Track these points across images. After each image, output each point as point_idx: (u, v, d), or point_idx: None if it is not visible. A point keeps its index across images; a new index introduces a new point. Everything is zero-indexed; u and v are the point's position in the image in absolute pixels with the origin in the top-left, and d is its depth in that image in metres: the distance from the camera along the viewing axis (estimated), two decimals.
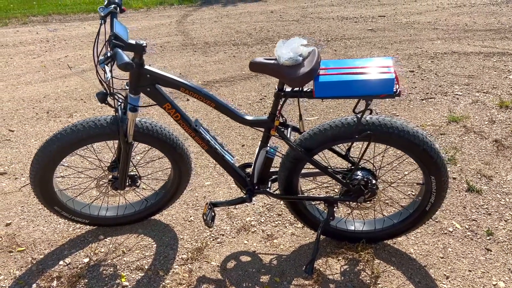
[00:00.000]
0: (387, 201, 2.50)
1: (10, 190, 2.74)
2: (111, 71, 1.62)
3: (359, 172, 1.95)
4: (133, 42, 1.73)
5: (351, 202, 2.01)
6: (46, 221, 2.43)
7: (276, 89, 1.80)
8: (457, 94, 4.16)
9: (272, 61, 1.73)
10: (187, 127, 1.95)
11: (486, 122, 3.55)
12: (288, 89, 1.80)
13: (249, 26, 7.20)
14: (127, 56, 1.51)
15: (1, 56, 5.85)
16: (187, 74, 4.86)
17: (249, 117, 1.92)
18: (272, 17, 8.01)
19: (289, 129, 1.95)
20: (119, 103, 1.92)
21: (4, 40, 6.72)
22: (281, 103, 1.84)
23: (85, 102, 4.21)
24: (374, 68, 1.69)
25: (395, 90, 1.65)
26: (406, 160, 2.91)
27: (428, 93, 4.21)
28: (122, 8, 1.85)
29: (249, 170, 2.16)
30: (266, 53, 5.63)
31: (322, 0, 9.83)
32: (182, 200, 2.59)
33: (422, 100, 4.05)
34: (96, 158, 2.46)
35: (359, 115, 1.78)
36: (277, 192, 2.09)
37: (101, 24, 1.75)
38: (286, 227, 2.34)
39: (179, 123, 1.95)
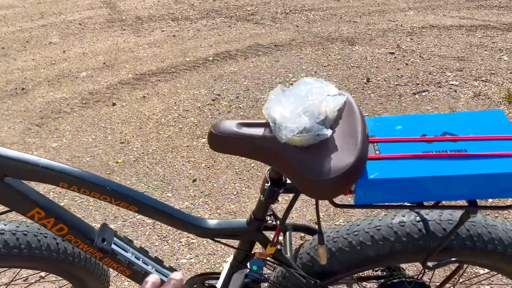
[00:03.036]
0: None
1: None
2: None
3: None
4: None
5: None
6: None
7: (267, 178, 0.86)
8: (453, 85, 3.40)
9: (261, 131, 0.78)
10: (86, 246, 0.98)
11: None
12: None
13: None
14: None
15: None
16: (114, 64, 3.74)
17: (211, 222, 0.98)
18: None
19: (288, 234, 1.04)
20: None
21: None
22: (273, 204, 0.91)
23: None
24: (481, 141, 0.79)
25: None
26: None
27: (418, 84, 3.42)
28: None
29: (210, 283, 1.23)
30: (214, 30, 4.56)
31: None
32: None
33: (414, 94, 3.26)
34: None
35: (441, 224, 0.89)
36: None
37: None
38: None
39: (69, 240, 0.97)
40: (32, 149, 2.61)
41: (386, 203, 0.81)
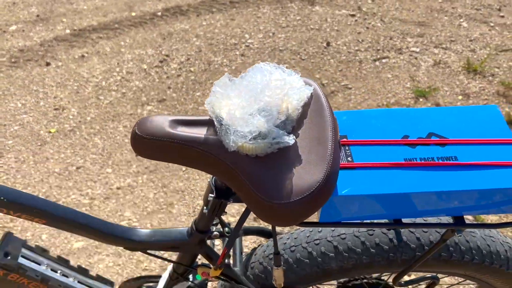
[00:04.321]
0: None
1: None
2: None
3: None
4: None
5: None
6: None
7: (212, 188, 0.69)
8: (413, 52, 3.31)
9: (203, 132, 0.59)
10: None
11: (460, 97, 2.78)
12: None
13: None
14: None
15: None
16: (49, 17, 3.34)
17: (142, 233, 0.80)
18: None
19: (237, 240, 0.88)
20: None
21: None
22: (220, 216, 0.74)
23: None
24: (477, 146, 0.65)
25: None
26: None
27: (379, 49, 3.30)
28: None
29: (148, 286, 1.07)
30: None
31: None
32: None
33: (375, 61, 3.14)
34: None
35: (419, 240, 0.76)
36: None
37: None
38: None
39: None
40: None
41: (358, 221, 0.66)
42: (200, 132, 0.59)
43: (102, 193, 1.90)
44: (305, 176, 0.55)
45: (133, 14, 3.50)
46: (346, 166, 0.62)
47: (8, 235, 0.82)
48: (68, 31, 3.16)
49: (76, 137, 2.17)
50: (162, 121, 0.60)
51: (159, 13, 3.52)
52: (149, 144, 0.60)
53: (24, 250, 0.83)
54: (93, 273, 0.97)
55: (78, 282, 0.91)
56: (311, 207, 0.55)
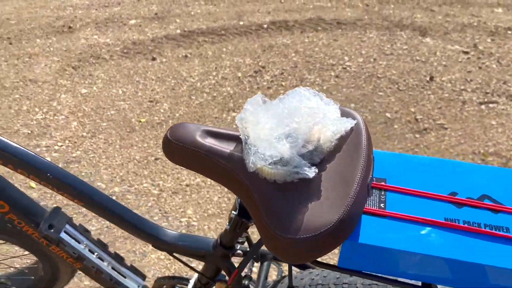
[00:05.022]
0: None
1: None
2: None
3: None
4: None
5: None
6: None
7: (236, 206, 0.68)
8: None
9: (231, 147, 0.58)
10: (31, 229, 0.85)
11: None
12: None
13: None
14: None
15: None
16: (166, 16, 3.59)
17: (171, 235, 0.81)
18: None
19: (265, 264, 0.84)
20: None
21: None
22: (241, 235, 0.72)
23: None
24: None
25: None
26: None
27: (488, 93, 3.02)
28: None
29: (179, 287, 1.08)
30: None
31: None
32: None
33: (481, 104, 2.88)
34: None
35: None
36: None
37: None
38: None
39: (11, 220, 0.84)
40: (61, 91, 2.55)
41: (382, 275, 0.59)
42: (227, 147, 0.59)
43: (171, 187, 1.98)
44: (319, 213, 0.51)
45: (241, 23, 3.63)
46: (375, 213, 0.57)
47: (56, 210, 0.88)
48: (178, 31, 3.37)
49: (161, 130, 2.30)
50: (193, 129, 0.60)
51: (265, 25, 3.61)
52: (177, 150, 0.60)
53: (67, 226, 0.89)
54: (128, 262, 1.01)
55: (112, 268, 0.95)
56: (318, 248, 0.51)
